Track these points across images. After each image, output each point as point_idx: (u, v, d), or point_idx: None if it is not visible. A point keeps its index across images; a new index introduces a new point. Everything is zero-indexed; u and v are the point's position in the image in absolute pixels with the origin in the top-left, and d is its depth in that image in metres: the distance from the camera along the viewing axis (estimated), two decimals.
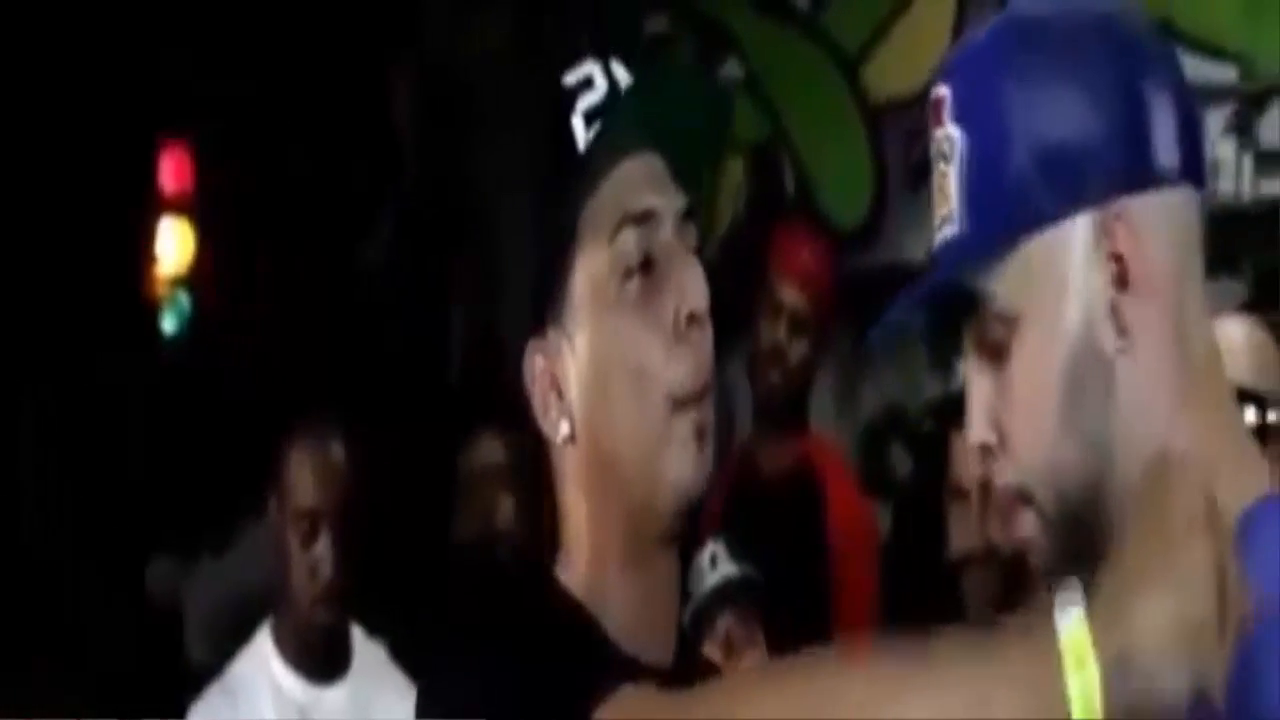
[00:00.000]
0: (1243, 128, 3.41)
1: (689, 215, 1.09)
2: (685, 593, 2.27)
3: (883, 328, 0.98)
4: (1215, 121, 3.32)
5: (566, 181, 1.07)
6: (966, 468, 2.46)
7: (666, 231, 1.07)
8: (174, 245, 4.31)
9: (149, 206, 4.30)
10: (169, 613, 3.56)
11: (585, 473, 1.07)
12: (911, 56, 3.80)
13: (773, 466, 2.97)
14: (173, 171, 4.36)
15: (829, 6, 3.98)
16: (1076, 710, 0.77)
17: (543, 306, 1.08)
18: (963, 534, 2.52)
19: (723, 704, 0.92)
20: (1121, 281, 0.91)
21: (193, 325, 4.30)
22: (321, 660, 2.27)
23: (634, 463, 1.05)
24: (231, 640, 3.18)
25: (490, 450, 2.55)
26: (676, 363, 1.05)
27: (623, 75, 1.09)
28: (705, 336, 1.07)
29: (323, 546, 2.20)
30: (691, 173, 1.11)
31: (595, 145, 1.07)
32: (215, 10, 4.13)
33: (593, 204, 1.06)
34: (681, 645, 1.11)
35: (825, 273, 3.02)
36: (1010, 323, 0.93)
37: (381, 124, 4.33)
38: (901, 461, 3.70)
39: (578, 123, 1.07)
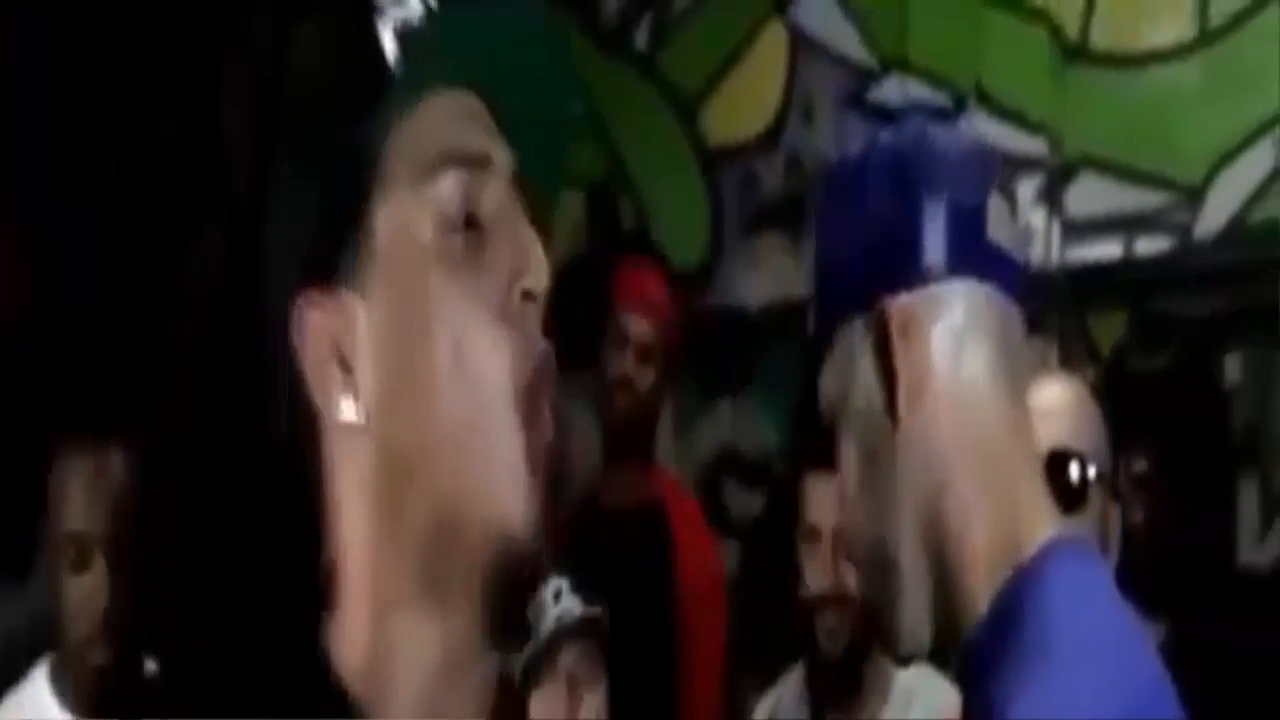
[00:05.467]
0: (1051, 197, 3.58)
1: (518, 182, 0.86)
2: (525, 631, 2.17)
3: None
4: (1025, 191, 3.49)
5: (369, 102, 0.84)
6: (819, 509, 2.50)
7: (499, 187, 0.84)
8: None
9: None
10: None
11: (376, 475, 0.80)
12: (747, 102, 3.86)
13: (620, 500, 2.94)
14: None
15: (667, 47, 4.01)
16: None
17: (326, 253, 0.81)
18: (816, 574, 2.54)
19: None
20: (889, 367, 1.06)
21: None
22: (106, 708, 2.02)
23: (445, 466, 0.80)
24: None
25: None
26: (505, 346, 0.81)
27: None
28: (539, 325, 0.84)
29: (96, 575, 1.98)
30: (524, 128, 0.89)
31: (408, 68, 0.86)
32: None
33: (403, 133, 0.83)
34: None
35: (670, 303, 3.06)
36: (835, 410, 1.09)
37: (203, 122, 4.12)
38: (735, 500, 3.73)
39: (387, 39, 0.86)
